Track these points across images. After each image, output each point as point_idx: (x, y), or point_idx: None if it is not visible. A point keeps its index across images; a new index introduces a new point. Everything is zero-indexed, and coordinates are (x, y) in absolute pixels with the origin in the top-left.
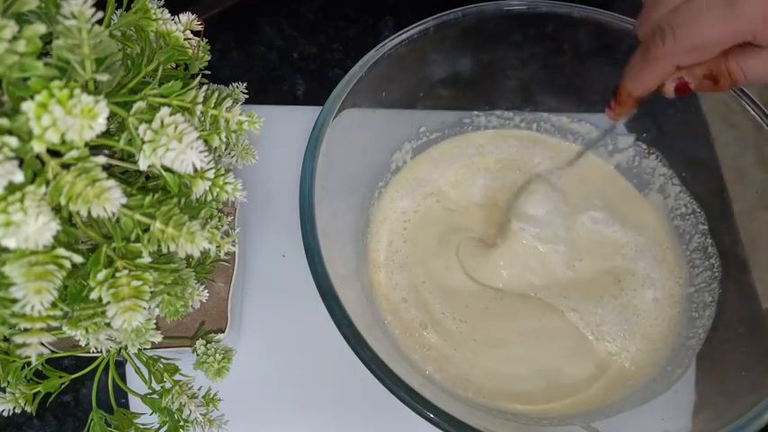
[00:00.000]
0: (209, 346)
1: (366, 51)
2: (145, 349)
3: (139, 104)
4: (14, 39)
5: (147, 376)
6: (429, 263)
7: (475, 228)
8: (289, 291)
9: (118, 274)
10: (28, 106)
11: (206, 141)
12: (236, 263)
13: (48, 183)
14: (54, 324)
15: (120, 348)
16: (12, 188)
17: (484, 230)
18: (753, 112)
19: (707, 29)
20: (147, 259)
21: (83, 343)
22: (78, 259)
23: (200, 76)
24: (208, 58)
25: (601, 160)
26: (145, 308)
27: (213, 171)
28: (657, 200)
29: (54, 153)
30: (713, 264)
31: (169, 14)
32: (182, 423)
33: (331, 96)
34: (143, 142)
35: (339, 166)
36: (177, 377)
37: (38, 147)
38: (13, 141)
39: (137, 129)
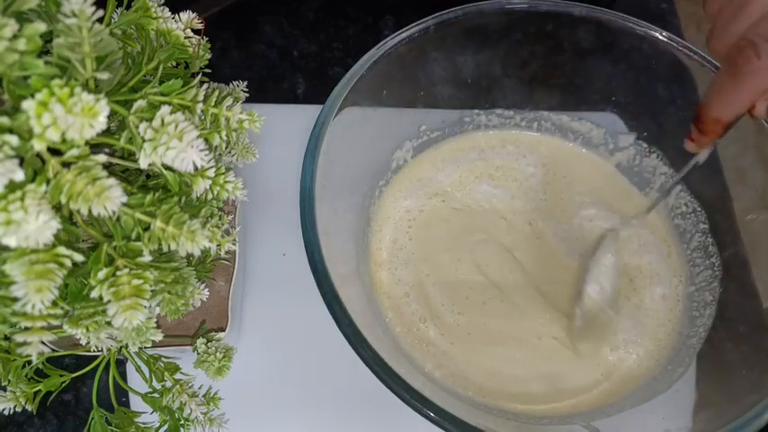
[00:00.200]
0: (209, 344)
1: (366, 50)
2: (145, 348)
3: (140, 103)
4: (15, 37)
5: (147, 375)
6: (436, 257)
7: (489, 230)
8: (289, 289)
9: (118, 273)
10: (28, 105)
11: (206, 140)
12: (236, 261)
13: (48, 181)
14: (55, 323)
15: (121, 347)
16: (12, 186)
17: (499, 236)
18: None
19: None
20: (147, 258)
21: (83, 341)
22: (79, 258)
23: (200, 75)
24: (208, 56)
25: (601, 159)
26: (145, 306)
27: (214, 170)
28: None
29: (54, 151)
30: (714, 263)
31: (169, 13)
32: (182, 422)
33: (331, 95)
34: (143, 141)
35: (339, 164)
36: (178, 376)
37: (38, 145)
38: (13, 140)
39: (137, 127)
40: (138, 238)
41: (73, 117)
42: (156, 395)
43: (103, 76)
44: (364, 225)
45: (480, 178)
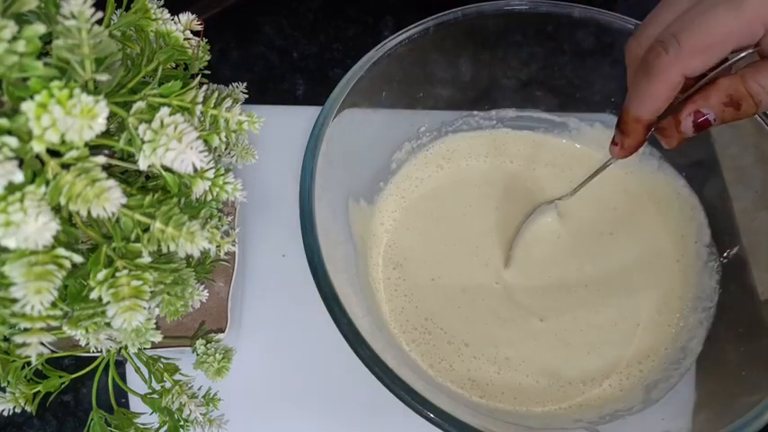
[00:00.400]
0: (209, 345)
1: (366, 51)
2: (145, 349)
3: (139, 104)
4: (14, 39)
5: (147, 376)
6: (436, 258)
7: (489, 231)
8: (289, 290)
9: (118, 274)
10: (28, 106)
11: (206, 141)
12: (236, 263)
13: (47, 183)
14: (54, 324)
15: (120, 348)
16: (12, 188)
17: (500, 236)
18: None
19: (712, 26)
20: (147, 259)
21: (83, 343)
22: (78, 259)
23: (199, 76)
24: (207, 57)
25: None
26: (145, 307)
27: (213, 171)
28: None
29: (54, 153)
30: (714, 263)
31: (169, 14)
32: (182, 423)
33: (331, 96)
34: (143, 142)
35: (339, 166)
36: (177, 377)
37: (37, 147)
38: (12, 141)
39: (136, 129)
40: (138, 240)
41: (72, 119)
42: (155, 396)
43: (103, 77)
44: (364, 226)
45: (480, 179)
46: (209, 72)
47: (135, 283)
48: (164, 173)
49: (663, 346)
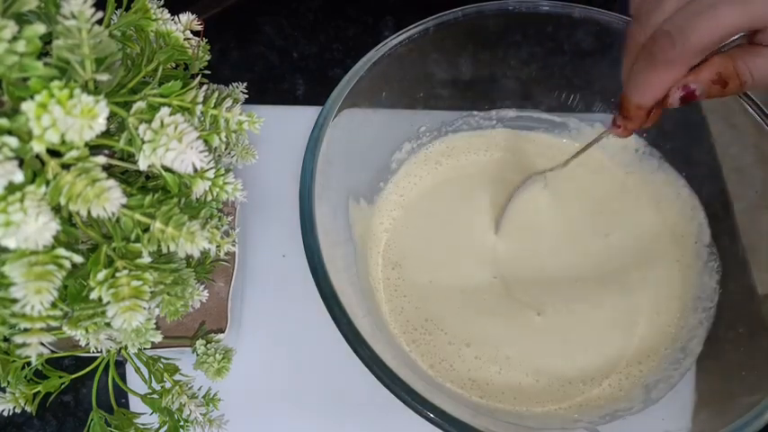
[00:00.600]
0: (209, 345)
1: (366, 51)
2: (145, 349)
3: (139, 104)
4: (14, 39)
5: (147, 376)
6: (436, 258)
7: (490, 231)
8: (289, 290)
9: (118, 274)
10: (28, 106)
11: (206, 141)
12: (236, 263)
13: (48, 183)
14: (54, 324)
15: (120, 348)
16: (12, 188)
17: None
18: (753, 112)
19: (720, 21)
20: (147, 259)
21: (83, 343)
22: (78, 259)
23: (199, 76)
24: (208, 57)
25: (602, 161)
26: (145, 308)
27: (213, 171)
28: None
29: (54, 153)
30: (714, 263)
31: (169, 14)
32: (182, 423)
33: (331, 96)
34: (143, 142)
35: (339, 166)
36: (177, 377)
37: (38, 147)
38: (12, 141)
39: (137, 129)
40: (138, 240)
41: (72, 119)
42: (155, 396)
43: (103, 77)
44: (364, 226)
45: (480, 179)
46: (209, 72)
47: (135, 283)
48: (164, 173)
49: (663, 346)
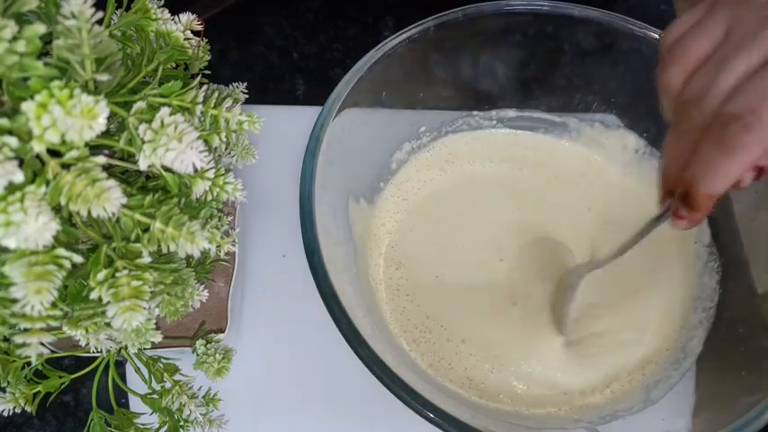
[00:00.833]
0: (209, 345)
1: (366, 51)
2: (145, 349)
3: (139, 104)
4: (14, 39)
5: (147, 376)
6: (437, 258)
7: (489, 232)
8: (289, 290)
9: (118, 274)
10: (28, 106)
11: (206, 141)
12: (236, 263)
13: (48, 183)
14: (54, 324)
15: (121, 348)
16: (12, 188)
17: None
18: None
19: None
20: (147, 259)
21: (83, 343)
22: (78, 259)
23: (200, 76)
24: (208, 57)
25: (602, 161)
26: (145, 308)
27: (213, 171)
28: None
29: (54, 153)
30: (713, 263)
31: (169, 14)
32: (182, 423)
33: (331, 96)
34: (143, 142)
35: (339, 165)
36: (177, 377)
37: (38, 147)
38: (13, 141)
39: (137, 129)
40: (138, 240)
41: (72, 119)
42: (155, 396)
43: (103, 77)
44: (364, 226)
45: (480, 179)
46: (209, 72)
47: (135, 283)
48: (164, 173)
49: (663, 347)
